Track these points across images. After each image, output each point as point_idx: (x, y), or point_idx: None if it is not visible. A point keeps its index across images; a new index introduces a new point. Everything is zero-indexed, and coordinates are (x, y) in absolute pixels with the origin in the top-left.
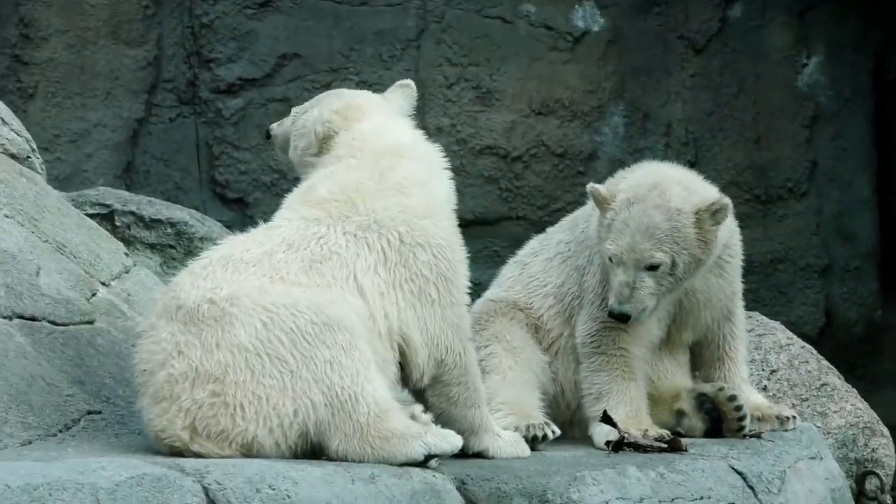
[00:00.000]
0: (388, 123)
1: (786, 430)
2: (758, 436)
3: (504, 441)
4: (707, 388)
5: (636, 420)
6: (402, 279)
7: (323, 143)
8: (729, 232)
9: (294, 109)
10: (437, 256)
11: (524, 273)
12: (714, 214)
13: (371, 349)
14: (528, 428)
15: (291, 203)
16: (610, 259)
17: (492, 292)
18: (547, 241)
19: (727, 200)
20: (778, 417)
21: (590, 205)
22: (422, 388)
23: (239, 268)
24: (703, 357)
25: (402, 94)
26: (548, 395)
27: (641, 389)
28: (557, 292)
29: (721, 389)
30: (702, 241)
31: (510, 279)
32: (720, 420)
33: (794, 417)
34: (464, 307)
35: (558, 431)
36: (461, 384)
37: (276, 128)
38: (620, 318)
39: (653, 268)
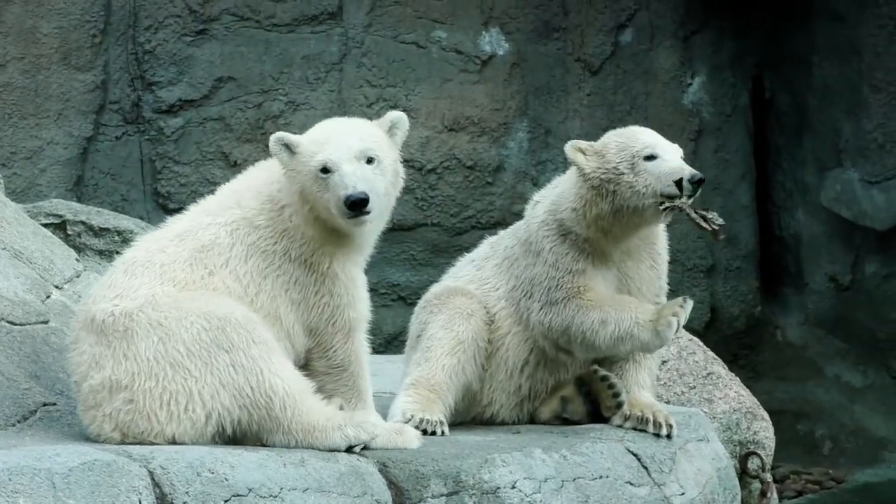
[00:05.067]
0: None
1: (657, 434)
2: (643, 430)
3: (385, 431)
4: (584, 372)
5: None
6: (266, 274)
7: None
8: (660, 228)
9: None
10: (294, 268)
11: (478, 275)
12: None
13: (269, 332)
14: (421, 421)
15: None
16: (652, 156)
17: (451, 281)
18: (496, 245)
19: None
20: (656, 422)
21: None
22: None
23: (136, 271)
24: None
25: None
26: (470, 392)
27: (610, 293)
28: (509, 296)
29: (595, 371)
30: None
31: (466, 277)
32: (598, 402)
33: (671, 426)
34: (342, 309)
35: (447, 434)
36: (331, 375)
37: None
38: (700, 182)
39: None
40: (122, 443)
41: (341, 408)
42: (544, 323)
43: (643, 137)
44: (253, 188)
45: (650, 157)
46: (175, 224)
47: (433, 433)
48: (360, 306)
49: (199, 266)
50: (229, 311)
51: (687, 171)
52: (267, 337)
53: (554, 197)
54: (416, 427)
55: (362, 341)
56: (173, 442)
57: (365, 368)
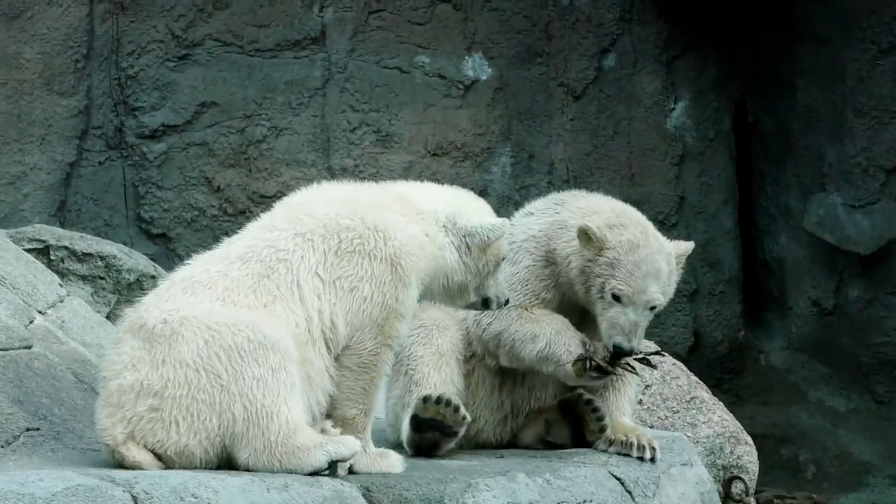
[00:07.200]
0: (430, 189)
1: (641, 458)
2: (627, 454)
3: (368, 456)
4: (569, 396)
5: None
6: (337, 276)
7: None
8: None
9: None
10: (374, 265)
11: None
12: (684, 258)
13: (298, 374)
14: (442, 394)
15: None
16: (618, 298)
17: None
18: None
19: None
20: (639, 446)
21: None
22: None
23: (196, 290)
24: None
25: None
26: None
27: (557, 317)
28: None
29: (580, 396)
30: (677, 280)
31: None
32: (582, 426)
33: (654, 449)
34: (396, 317)
35: (468, 418)
36: (354, 373)
37: None
38: (628, 354)
39: (653, 308)
40: (118, 447)
41: (323, 431)
42: (481, 323)
43: (627, 267)
44: (333, 198)
45: (616, 298)
46: (233, 245)
47: (457, 408)
48: (402, 324)
49: (263, 293)
50: (278, 335)
51: (617, 339)
52: (294, 372)
53: (554, 223)
54: (439, 401)
55: (390, 356)
56: (181, 454)
57: (381, 380)
